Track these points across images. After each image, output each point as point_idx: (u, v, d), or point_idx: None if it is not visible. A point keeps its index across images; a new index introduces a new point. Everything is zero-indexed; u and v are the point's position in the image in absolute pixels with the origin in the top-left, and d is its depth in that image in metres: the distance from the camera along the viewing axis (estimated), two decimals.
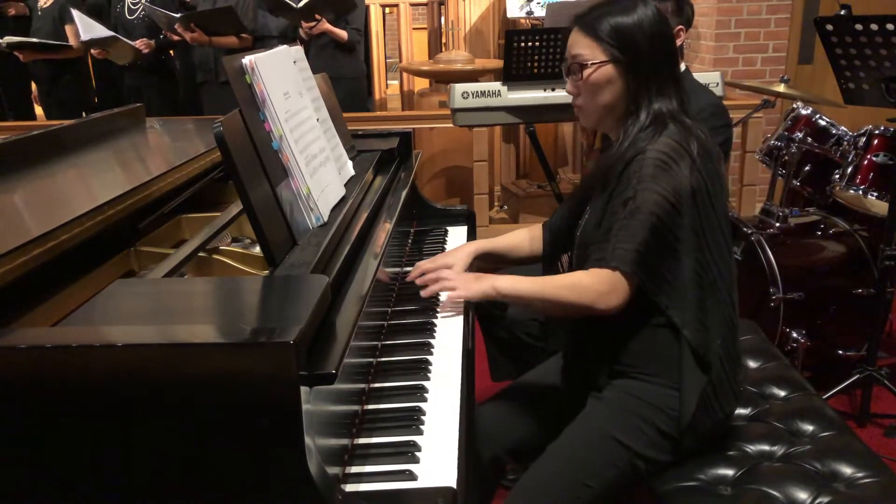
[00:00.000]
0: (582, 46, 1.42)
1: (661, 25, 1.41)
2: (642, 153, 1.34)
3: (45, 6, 4.39)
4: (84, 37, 3.91)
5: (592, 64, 1.40)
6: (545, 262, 1.66)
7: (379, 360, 1.37)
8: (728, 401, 1.40)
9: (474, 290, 1.44)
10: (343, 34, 3.80)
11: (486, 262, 1.71)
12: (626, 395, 1.38)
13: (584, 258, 1.42)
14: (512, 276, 1.45)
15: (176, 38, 3.89)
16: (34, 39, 4.22)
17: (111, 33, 3.95)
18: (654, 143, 1.34)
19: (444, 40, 4.79)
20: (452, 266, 1.58)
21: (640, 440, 1.35)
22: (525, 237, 1.71)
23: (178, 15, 3.81)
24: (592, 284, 1.33)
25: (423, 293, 1.48)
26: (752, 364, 1.75)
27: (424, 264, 1.60)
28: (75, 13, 3.94)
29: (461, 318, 1.52)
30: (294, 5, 3.66)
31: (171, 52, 4.34)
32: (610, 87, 1.41)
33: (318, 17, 3.71)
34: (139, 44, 4.03)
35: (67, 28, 4.24)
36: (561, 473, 1.33)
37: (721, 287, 1.37)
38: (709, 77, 2.80)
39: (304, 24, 3.76)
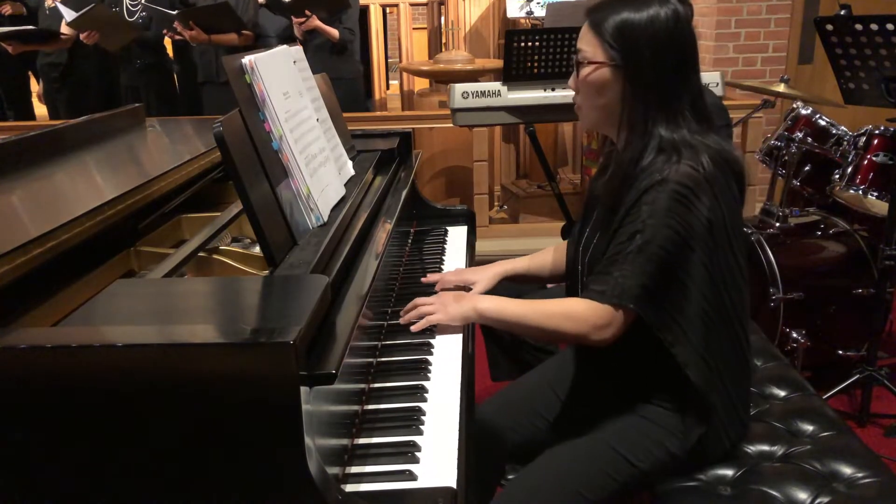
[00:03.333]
0: (585, 42, 1.34)
1: (674, 31, 1.28)
2: (659, 184, 1.25)
3: (51, 5, 4.39)
4: (69, 18, 3.78)
5: (590, 63, 1.32)
6: (568, 279, 1.59)
7: (379, 360, 1.37)
8: (736, 431, 1.38)
9: (453, 314, 1.40)
10: (334, 33, 3.79)
11: (517, 283, 1.69)
12: (636, 416, 1.36)
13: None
14: (496, 297, 1.42)
15: (177, 37, 3.87)
16: (24, 27, 4.15)
17: (93, 4, 3.79)
18: (673, 172, 1.25)
19: (444, 40, 4.80)
20: (475, 284, 1.58)
21: (647, 460, 1.33)
22: (550, 256, 1.68)
23: (174, 13, 3.80)
24: (588, 316, 1.28)
25: (413, 328, 1.41)
26: None
27: (448, 276, 1.60)
28: (59, 5, 3.88)
29: None
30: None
31: (170, 52, 4.33)
32: (606, 91, 1.33)
33: (307, 13, 3.70)
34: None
35: (63, 23, 4.22)
36: (559, 480, 1.31)
37: (733, 319, 1.32)
38: (709, 77, 2.80)
39: (294, 20, 3.75)
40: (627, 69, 1.29)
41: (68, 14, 3.80)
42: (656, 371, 1.34)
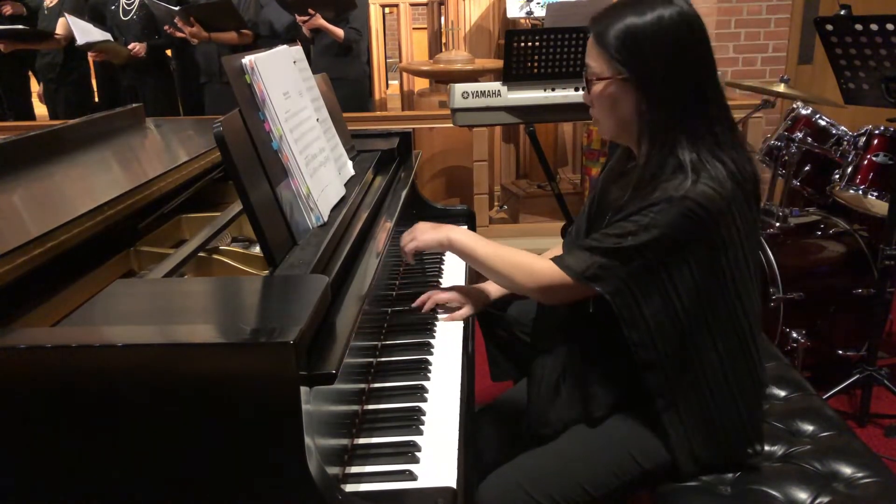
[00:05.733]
0: (591, 57, 1.29)
1: (682, 33, 1.23)
2: (672, 199, 1.20)
3: (50, 5, 4.39)
4: (80, 41, 3.90)
5: (599, 80, 1.28)
6: None
7: (379, 360, 1.37)
8: (743, 446, 1.35)
9: (428, 238, 1.47)
10: (339, 32, 3.77)
11: (510, 296, 1.68)
12: (649, 421, 1.33)
13: None
14: (472, 232, 1.47)
15: (179, 34, 3.87)
16: (16, 27, 4.19)
17: (105, 36, 3.94)
18: (691, 191, 1.20)
19: (444, 40, 4.79)
20: (465, 306, 1.58)
21: (655, 462, 1.32)
22: None
23: (176, 8, 3.80)
24: (542, 276, 1.32)
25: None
26: None
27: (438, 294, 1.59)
28: (69, 17, 3.93)
29: None
30: None
31: (168, 52, 4.34)
32: (620, 105, 1.28)
33: (311, 11, 3.69)
34: (132, 47, 4.04)
35: (59, 21, 4.23)
36: (564, 470, 1.31)
37: (746, 337, 1.29)
38: None
39: (298, 19, 3.75)
40: (638, 82, 1.25)
41: (78, 31, 3.85)
42: (672, 384, 1.30)
